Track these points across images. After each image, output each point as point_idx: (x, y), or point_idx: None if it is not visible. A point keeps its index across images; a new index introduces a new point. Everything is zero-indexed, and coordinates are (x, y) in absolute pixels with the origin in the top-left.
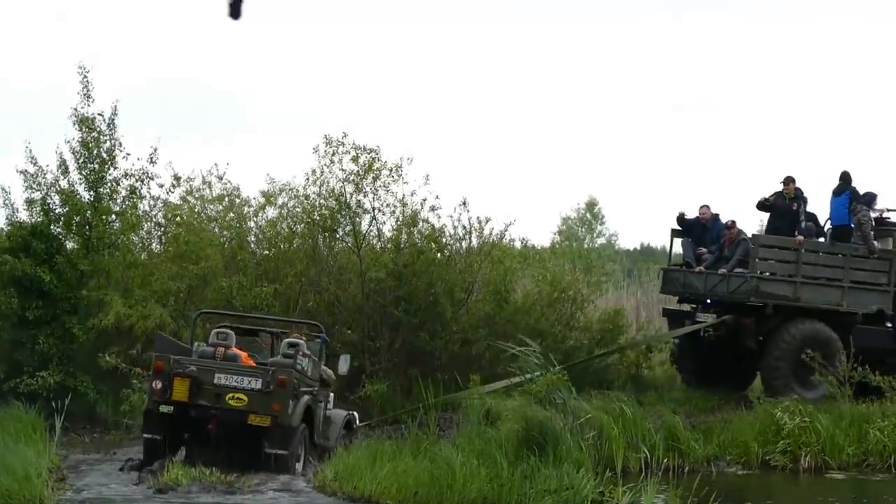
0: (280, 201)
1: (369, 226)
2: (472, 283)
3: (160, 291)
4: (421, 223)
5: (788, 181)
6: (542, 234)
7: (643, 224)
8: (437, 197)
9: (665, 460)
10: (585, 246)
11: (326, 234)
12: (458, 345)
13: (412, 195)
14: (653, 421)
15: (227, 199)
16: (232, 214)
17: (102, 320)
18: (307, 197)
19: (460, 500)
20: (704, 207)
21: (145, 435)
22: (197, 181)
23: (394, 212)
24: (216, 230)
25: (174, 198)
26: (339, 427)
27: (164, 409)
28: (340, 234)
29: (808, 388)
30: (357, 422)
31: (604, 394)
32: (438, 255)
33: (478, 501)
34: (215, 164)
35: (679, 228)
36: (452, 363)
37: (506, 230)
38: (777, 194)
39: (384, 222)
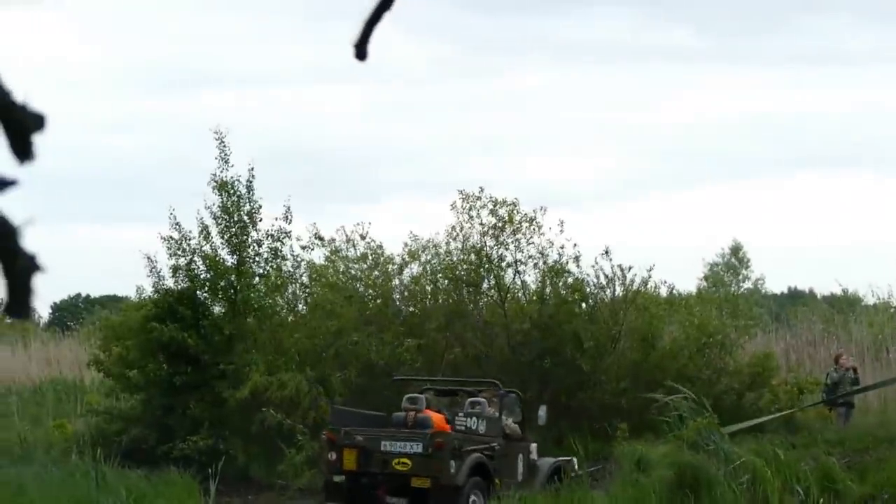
0: (423, 258)
1: (513, 279)
2: (619, 332)
3: (300, 351)
4: (564, 274)
5: None
6: (687, 281)
7: (790, 267)
8: (574, 245)
9: (821, 501)
10: (732, 290)
11: (471, 289)
12: (608, 394)
13: (550, 245)
14: (806, 462)
15: (370, 257)
16: (376, 273)
17: (238, 392)
18: (449, 253)
19: None
20: None
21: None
22: (339, 240)
23: (536, 264)
24: (360, 288)
25: (318, 258)
26: (544, 474)
27: (337, 478)
28: (484, 287)
29: None
30: (575, 467)
31: (757, 437)
32: (583, 304)
33: None
34: (358, 223)
35: None
36: (602, 413)
37: (649, 276)
38: None
39: (525, 272)
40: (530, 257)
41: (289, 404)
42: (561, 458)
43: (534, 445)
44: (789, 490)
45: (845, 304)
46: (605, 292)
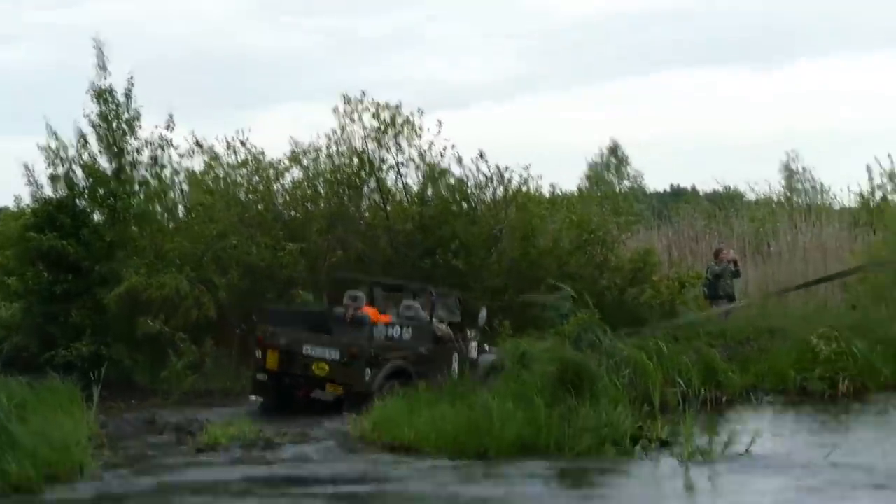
0: (305, 163)
1: (395, 181)
2: (500, 231)
3: (180, 255)
4: (445, 175)
5: None
6: (569, 181)
7: (671, 165)
8: (453, 146)
9: (703, 392)
10: (616, 189)
11: (352, 192)
12: (489, 293)
13: (430, 147)
14: (689, 355)
15: (251, 163)
16: (257, 178)
17: (113, 292)
18: (330, 157)
19: (499, 444)
20: None
21: (251, 397)
22: (219, 147)
23: (417, 166)
24: (241, 195)
25: (197, 165)
26: (482, 370)
27: (260, 376)
28: (366, 190)
29: None
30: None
31: (639, 332)
32: (464, 205)
33: (516, 444)
34: (238, 130)
35: None
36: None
37: (527, 176)
38: None
39: (407, 174)
40: (411, 159)
41: (170, 306)
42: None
43: (473, 344)
44: (671, 383)
45: (727, 201)
46: (485, 193)
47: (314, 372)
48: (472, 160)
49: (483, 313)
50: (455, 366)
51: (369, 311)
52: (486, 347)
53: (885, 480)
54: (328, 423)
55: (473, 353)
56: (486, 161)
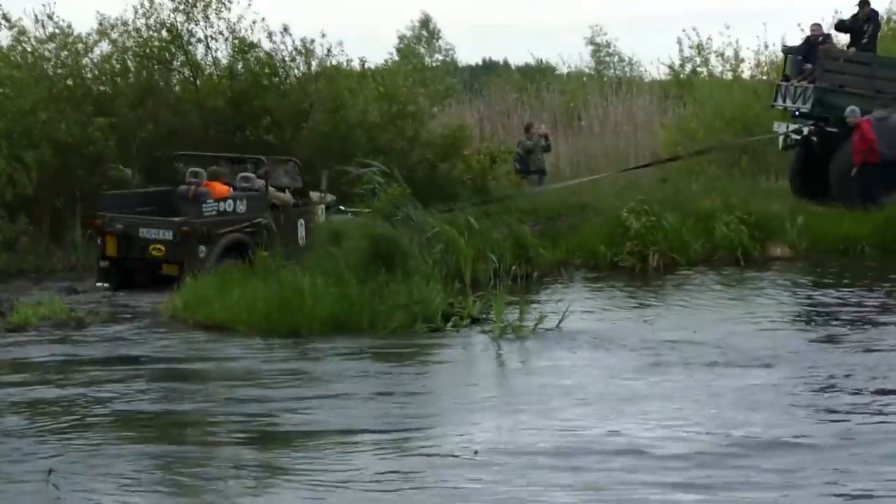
0: (114, 36)
1: (205, 55)
2: (310, 105)
3: None
4: (254, 49)
5: (863, 4)
6: (380, 55)
7: (483, 38)
8: (263, 19)
9: (514, 268)
10: (427, 63)
11: (161, 66)
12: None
13: (239, 21)
14: (500, 231)
15: (58, 37)
16: (65, 53)
17: None
18: (138, 30)
19: (311, 321)
20: (816, 26)
21: (97, 283)
22: (27, 22)
23: (227, 39)
24: (49, 70)
25: (4, 40)
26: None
27: (102, 263)
28: (176, 64)
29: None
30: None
31: (451, 207)
32: (274, 79)
33: (329, 321)
34: (45, 4)
35: (788, 46)
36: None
37: (333, 50)
38: (853, 16)
39: (217, 49)
40: (220, 33)
41: None
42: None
43: (320, 208)
44: (483, 258)
45: (538, 74)
46: (294, 67)
47: (151, 254)
48: (279, 34)
49: (324, 178)
50: (302, 232)
51: (214, 187)
52: (342, 208)
53: (690, 353)
54: (143, 302)
55: (322, 217)
56: (291, 35)
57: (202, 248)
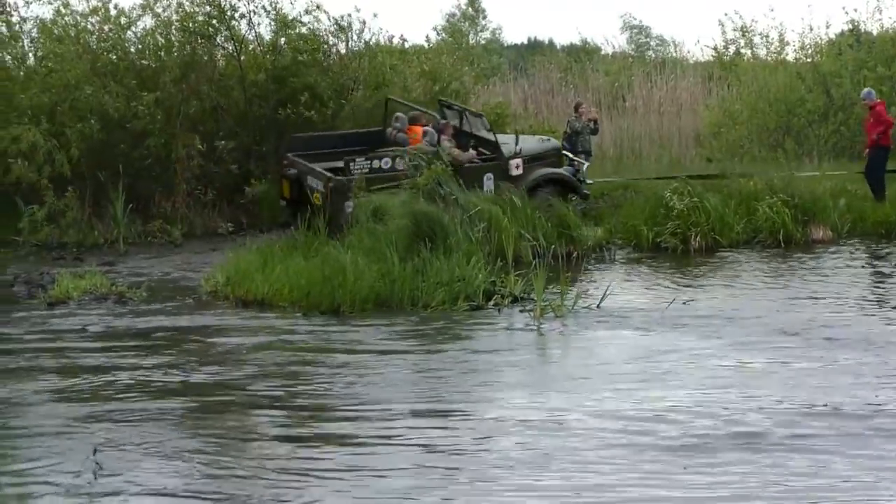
0: (157, 10)
1: (248, 30)
2: (353, 82)
3: (33, 106)
4: (297, 25)
5: None
6: (423, 34)
7: (529, 17)
8: None
9: (555, 247)
10: (471, 42)
11: (204, 41)
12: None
13: None
14: (543, 210)
15: (101, 11)
16: (108, 26)
17: None
18: (181, 4)
19: (352, 298)
20: None
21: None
22: None
23: (269, 14)
24: (92, 42)
25: (47, 14)
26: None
27: (281, 202)
28: (220, 40)
29: None
30: (584, 168)
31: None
32: (318, 55)
33: (370, 298)
34: None
35: None
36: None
37: (375, 28)
38: None
39: (260, 24)
40: (263, 8)
41: (24, 159)
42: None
43: (514, 162)
44: (526, 238)
45: (583, 54)
46: (339, 43)
47: (315, 201)
48: (321, 10)
49: (517, 135)
50: (490, 185)
51: (414, 131)
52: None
53: (725, 325)
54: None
55: (515, 171)
56: (327, 13)
57: (349, 203)
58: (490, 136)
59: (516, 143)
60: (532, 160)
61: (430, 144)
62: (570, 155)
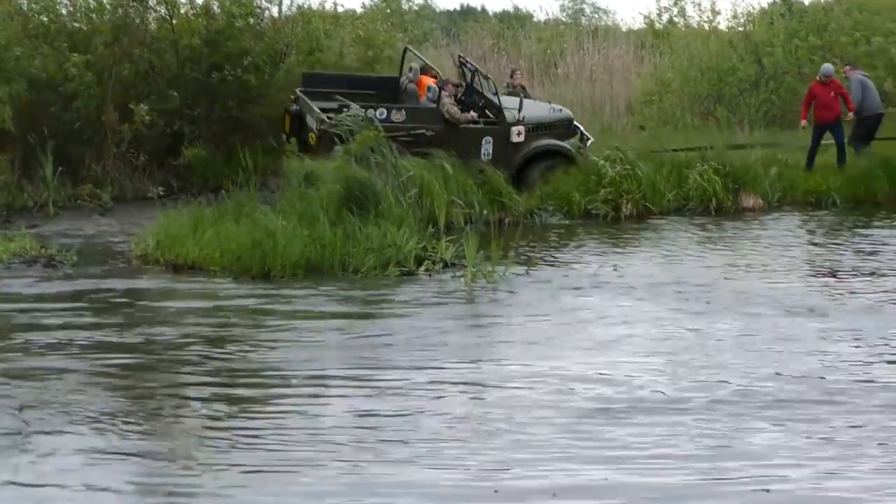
0: None
1: None
2: (286, 46)
3: None
4: None
5: None
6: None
7: None
8: None
9: (487, 214)
10: (404, 7)
11: (136, 4)
12: (276, 110)
13: None
14: (475, 176)
15: None
16: None
17: None
18: None
19: (283, 263)
20: None
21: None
22: None
23: None
24: (23, 5)
25: None
26: (522, 155)
27: (283, 136)
28: (152, 3)
29: None
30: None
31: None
32: (250, 20)
33: (301, 263)
34: None
35: None
36: (272, 129)
37: None
38: None
39: None
40: None
41: None
42: (571, 141)
43: (516, 129)
44: (458, 204)
45: (515, 21)
46: (272, 8)
47: (310, 139)
48: None
49: (521, 100)
50: (488, 148)
51: (422, 81)
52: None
53: (645, 293)
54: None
55: (517, 137)
56: None
57: (338, 147)
58: (495, 100)
59: (519, 110)
60: (537, 128)
61: (430, 101)
62: (582, 128)
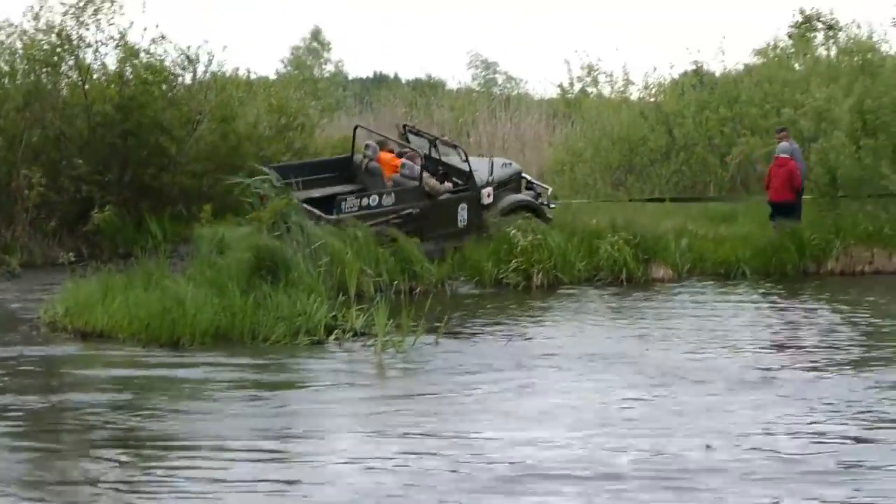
0: (0, 38)
1: (93, 59)
2: (199, 114)
3: None
4: (142, 54)
5: None
6: (270, 66)
7: (376, 52)
8: (157, 26)
9: (398, 283)
10: (316, 75)
11: (49, 69)
12: (188, 177)
13: (130, 26)
14: (386, 245)
15: None
16: None
17: None
18: (26, 32)
19: (192, 331)
20: None
21: None
22: None
23: (117, 45)
24: None
25: None
26: (499, 210)
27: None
28: (65, 68)
29: None
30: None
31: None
32: (163, 86)
33: (210, 331)
34: None
35: None
36: (183, 196)
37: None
38: None
39: (107, 55)
40: (111, 38)
41: None
42: (529, 191)
43: (486, 191)
44: (368, 273)
45: (428, 89)
46: (185, 74)
47: None
48: (167, 40)
49: (491, 162)
50: (463, 215)
51: (383, 160)
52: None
53: (554, 363)
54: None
55: (486, 199)
56: (171, 42)
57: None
58: (465, 167)
59: (490, 172)
60: (498, 187)
61: (408, 178)
62: (529, 177)
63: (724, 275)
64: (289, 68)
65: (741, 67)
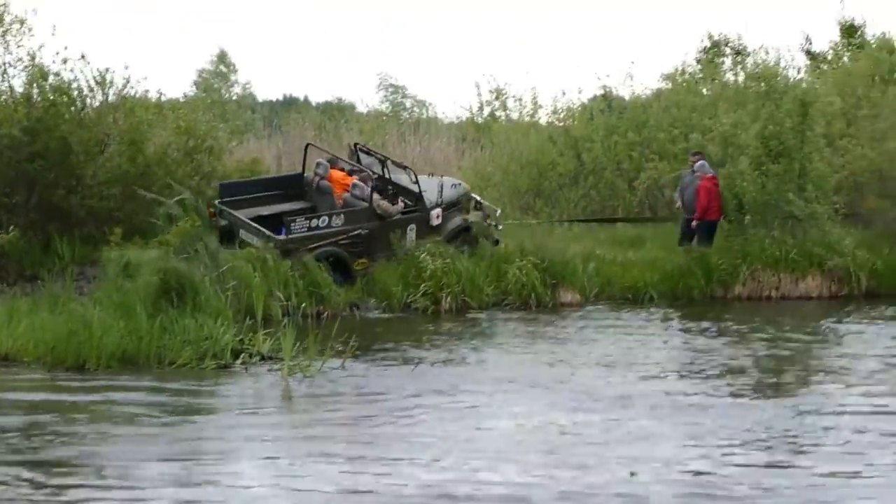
0: None
1: (1, 81)
2: (107, 137)
3: None
4: (51, 77)
5: None
6: (178, 88)
7: (285, 74)
8: (66, 48)
9: (305, 306)
10: (224, 97)
11: None
12: (95, 200)
13: (41, 48)
14: (295, 268)
15: None
16: None
17: None
18: None
19: (98, 354)
20: None
21: None
22: None
23: (26, 67)
24: None
25: None
26: (448, 233)
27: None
28: None
29: None
30: (497, 214)
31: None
32: (72, 108)
33: (117, 354)
34: None
35: None
36: (93, 218)
37: (130, 81)
38: None
39: (15, 76)
40: (20, 60)
41: None
42: (478, 211)
43: (435, 212)
44: (276, 297)
45: (337, 111)
46: (93, 97)
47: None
48: (77, 63)
49: (441, 184)
50: (412, 235)
51: (334, 179)
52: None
53: (471, 386)
54: None
55: (436, 221)
56: (89, 64)
57: (288, 262)
58: (414, 188)
59: (440, 193)
60: (448, 207)
61: (358, 198)
62: (478, 198)
63: (631, 299)
64: (196, 91)
65: (650, 92)
